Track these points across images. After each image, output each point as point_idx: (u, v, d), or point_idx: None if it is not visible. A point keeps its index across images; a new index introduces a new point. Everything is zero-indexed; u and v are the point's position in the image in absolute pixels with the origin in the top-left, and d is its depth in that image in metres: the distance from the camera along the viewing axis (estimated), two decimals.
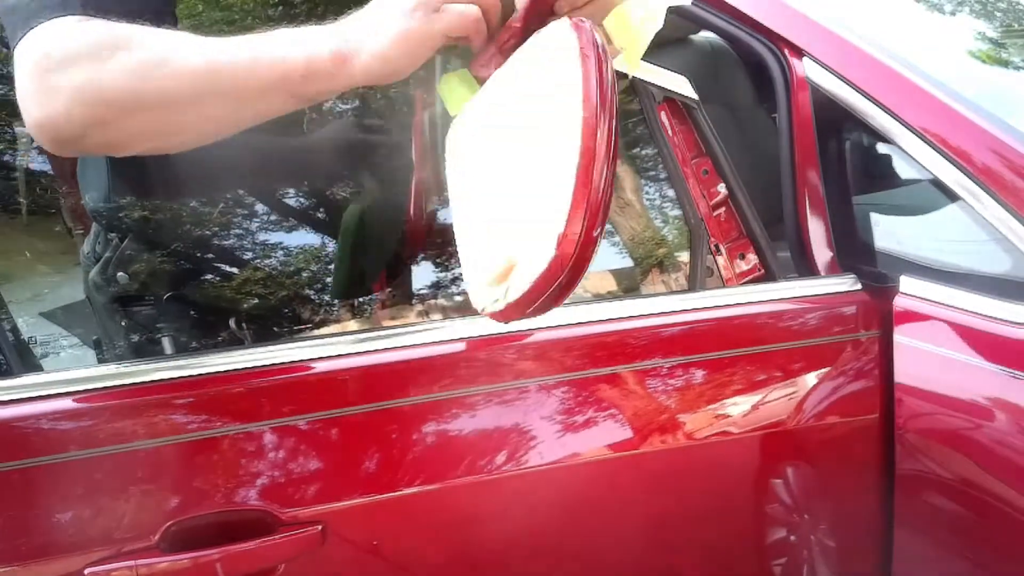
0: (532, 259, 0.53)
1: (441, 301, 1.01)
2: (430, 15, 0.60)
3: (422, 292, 1.04)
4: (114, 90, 0.61)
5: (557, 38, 0.58)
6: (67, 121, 0.62)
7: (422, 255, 1.04)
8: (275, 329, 0.99)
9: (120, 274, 0.94)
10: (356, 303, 1.02)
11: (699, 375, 0.89)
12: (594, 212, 0.52)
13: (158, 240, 0.96)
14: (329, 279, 1.02)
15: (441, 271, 1.04)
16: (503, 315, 0.57)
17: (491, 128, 0.63)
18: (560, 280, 0.53)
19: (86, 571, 0.72)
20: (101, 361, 0.95)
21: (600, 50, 0.55)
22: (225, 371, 0.78)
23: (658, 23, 0.65)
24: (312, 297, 1.02)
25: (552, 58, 0.58)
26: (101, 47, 0.62)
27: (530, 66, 0.61)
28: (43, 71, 0.62)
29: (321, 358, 0.80)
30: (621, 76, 0.64)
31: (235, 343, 0.95)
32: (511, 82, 0.62)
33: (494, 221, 0.60)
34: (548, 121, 0.55)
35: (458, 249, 0.64)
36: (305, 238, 1.04)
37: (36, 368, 0.88)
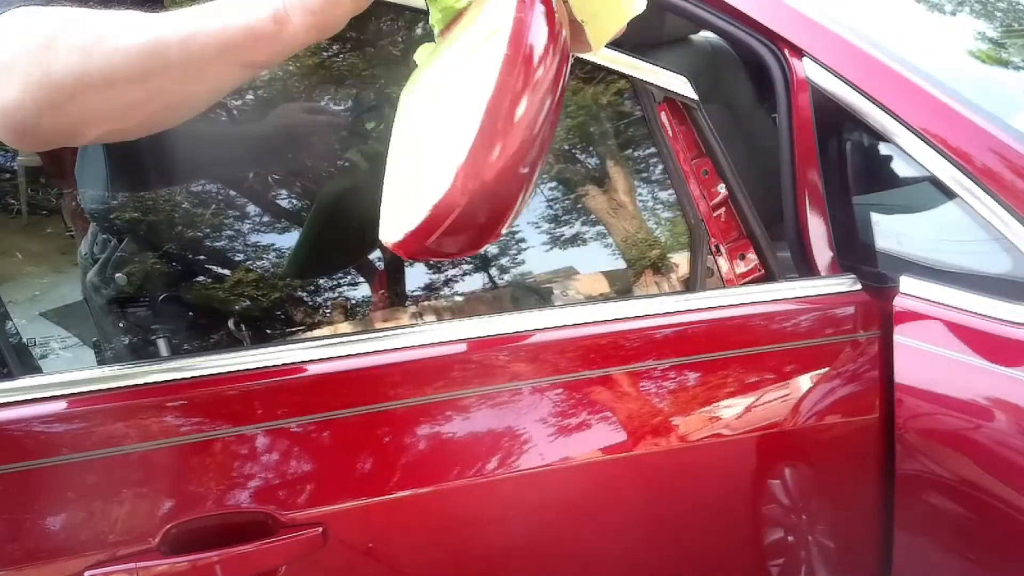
0: (433, 189, 0.52)
1: (435, 303, 1.01)
2: None
3: (418, 294, 1.04)
4: (60, 71, 0.61)
5: None
6: (19, 108, 0.62)
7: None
8: (274, 330, 0.99)
9: (118, 275, 0.93)
10: (353, 305, 1.02)
11: (698, 376, 0.89)
12: (508, 150, 0.51)
13: (155, 241, 0.96)
14: (328, 279, 1.02)
15: (436, 273, 1.03)
16: (403, 245, 0.55)
17: (434, 80, 0.62)
18: (457, 218, 0.51)
19: (86, 574, 0.72)
20: (100, 363, 0.95)
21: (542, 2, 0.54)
22: (224, 373, 0.78)
23: (638, 5, 0.63)
24: (312, 298, 1.02)
25: (492, 6, 0.57)
26: (47, 32, 0.62)
27: (474, 17, 0.60)
28: None
29: (322, 359, 0.80)
30: (579, 59, 0.63)
31: (234, 344, 0.95)
32: (456, 37, 0.61)
33: (416, 158, 0.59)
34: (479, 64, 0.54)
35: (384, 186, 0.62)
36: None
37: (35, 370, 0.88)
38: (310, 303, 1.01)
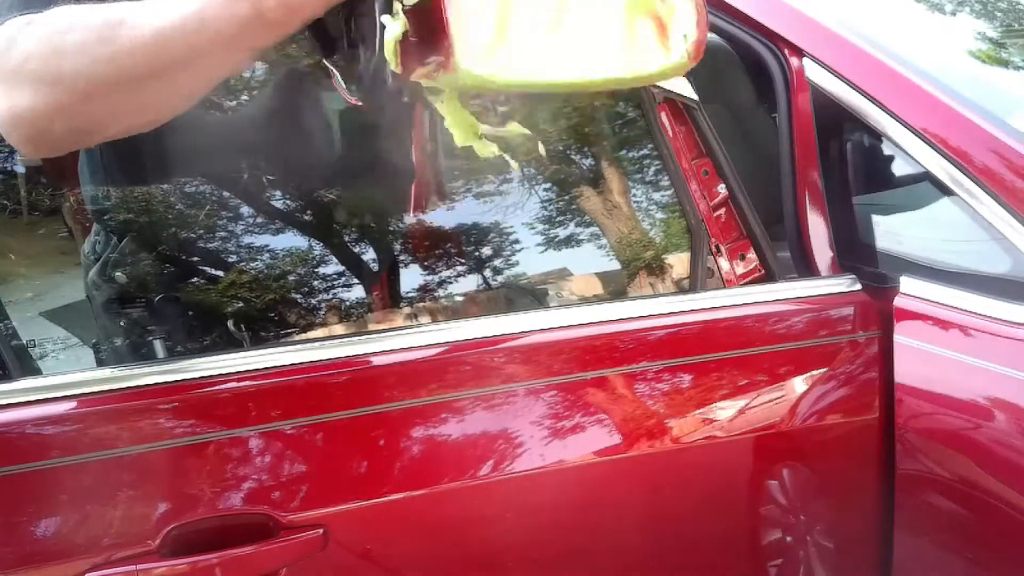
0: None
1: (433, 304, 1.01)
2: None
3: (418, 295, 1.04)
4: (70, 75, 0.62)
5: None
6: (32, 113, 0.64)
7: (424, 256, 1.03)
8: (275, 331, 0.99)
9: (118, 273, 0.93)
10: (350, 307, 1.02)
11: (696, 378, 0.89)
12: None
13: (157, 239, 0.96)
14: (335, 279, 1.02)
15: (430, 274, 1.03)
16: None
17: None
18: None
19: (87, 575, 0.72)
20: (101, 362, 0.95)
21: None
22: (225, 374, 0.78)
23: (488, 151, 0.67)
24: (316, 299, 1.02)
25: None
26: (51, 35, 0.63)
27: None
28: (3, 71, 0.64)
29: (324, 360, 0.80)
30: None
31: (235, 345, 0.95)
32: None
33: None
34: None
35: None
36: (303, 238, 1.04)
37: (35, 372, 0.88)
38: (319, 304, 1.01)
